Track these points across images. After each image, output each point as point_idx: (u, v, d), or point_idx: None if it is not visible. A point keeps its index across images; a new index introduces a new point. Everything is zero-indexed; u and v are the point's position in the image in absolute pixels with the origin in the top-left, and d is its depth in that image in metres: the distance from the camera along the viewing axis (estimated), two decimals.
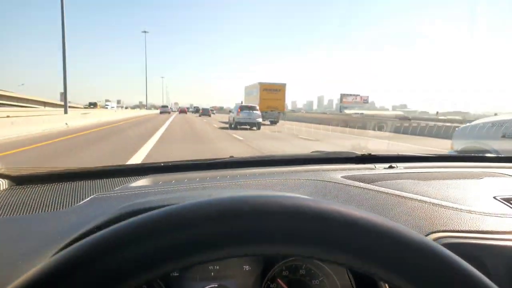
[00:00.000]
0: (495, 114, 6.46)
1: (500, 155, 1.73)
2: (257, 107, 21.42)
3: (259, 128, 19.32)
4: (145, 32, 63.67)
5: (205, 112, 46.52)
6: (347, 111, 60.57)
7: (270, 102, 28.39)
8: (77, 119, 18.17)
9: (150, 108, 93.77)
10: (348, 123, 23.95)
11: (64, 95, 19.08)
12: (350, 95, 71.32)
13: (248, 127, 19.33)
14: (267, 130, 19.53)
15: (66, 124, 16.22)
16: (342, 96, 70.54)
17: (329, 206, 0.37)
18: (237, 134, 14.85)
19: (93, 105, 66.88)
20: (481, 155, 1.69)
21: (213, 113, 58.75)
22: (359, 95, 71.55)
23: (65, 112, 18.90)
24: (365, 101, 72.45)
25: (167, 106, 67.49)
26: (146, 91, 66.43)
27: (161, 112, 56.34)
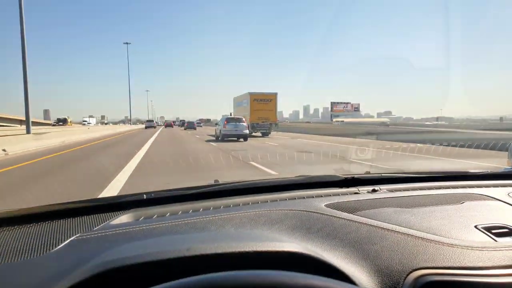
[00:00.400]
0: None
1: (481, 172, 1.66)
2: (244, 119, 21.29)
3: (246, 140, 19.38)
4: (127, 43, 59.85)
5: (190, 125, 46.33)
6: (337, 119, 59.36)
7: (261, 113, 26.38)
8: (28, 142, 13.96)
9: (135, 123, 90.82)
10: (332, 131, 25.79)
11: (25, 111, 16.27)
12: (341, 103, 69.91)
13: (235, 139, 19.58)
14: (257, 142, 18.05)
15: (4, 150, 11.41)
16: (333, 104, 69.06)
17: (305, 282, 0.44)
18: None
19: (62, 121, 57.15)
20: (462, 171, 1.70)
21: (200, 126, 58.06)
22: (349, 103, 70.07)
23: (28, 131, 15.71)
24: (355, 108, 71.13)
25: (152, 121, 63.83)
26: (130, 105, 62.27)
27: (146, 127, 53.91)
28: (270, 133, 26.37)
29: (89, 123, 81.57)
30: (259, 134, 26.79)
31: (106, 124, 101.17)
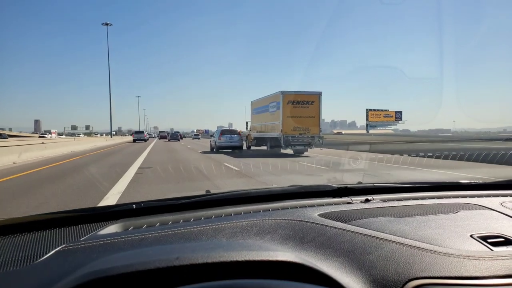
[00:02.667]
0: None
1: (473, 182, 1.66)
2: (238, 131, 21.73)
3: (240, 151, 20.18)
4: (106, 24, 45.47)
5: (174, 137, 48.54)
6: (373, 131, 50.89)
7: (299, 121, 18.32)
8: None
9: (124, 134, 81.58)
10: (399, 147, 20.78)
11: None
12: (379, 110, 58.67)
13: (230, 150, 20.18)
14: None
15: None
16: (369, 112, 58.20)
17: None
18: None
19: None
20: (455, 181, 1.69)
21: (198, 138, 55.77)
22: (387, 110, 59.00)
23: None
24: (398, 118, 59.21)
25: (142, 132, 47.90)
26: (110, 113, 48.38)
27: (135, 140, 42.19)
28: (306, 150, 18.79)
29: (44, 135, 70.74)
30: (289, 151, 18.68)
31: (75, 136, 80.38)
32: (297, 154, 18.44)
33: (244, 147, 24.90)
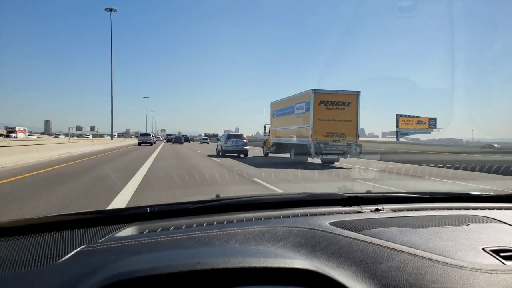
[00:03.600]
0: None
1: (484, 194, 1.66)
2: (244, 136, 21.83)
3: (246, 156, 20.17)
4: (110, 10, 41.14)
5: (178, 140, 51.25)
6: (403, 139, 47.35)
7: (332, 125, 15.35)
8: None
9: (130, 137, 79.02)
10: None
11: None
12: (411, 116, 53.38)
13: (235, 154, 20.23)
14: None
15: None
16: (399, 118, 53.30)
17: None
18: None
19: None
20: (465, 193, 1.66)
21: (206, 142, 55.29)
22: (419, 116, 53.69)
23: None
24: (432, 125, 54.04)
25: (148, 135, 43.79)
26: (112, 111, 42.44)
27: (140, 143, 38.55)
28: (337, 160, 15.95)
29: (13, 135, 53.56)
30: (316, 160, 15.78)
31: (64, 137, 60.16)
32: (327, 164, 15.46)
33: (260, 154, 22.26)
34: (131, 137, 76.65)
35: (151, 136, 43.37)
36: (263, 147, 22.54)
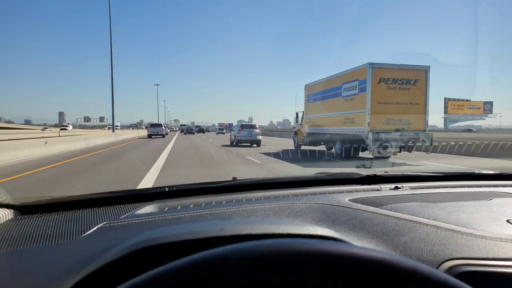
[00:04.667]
0: None
1: (505, 173, 1.64)
2: (256, 126, 21.31)
3: (258, 145, 19.80)
4: None
5: (189, 131, 52.69)
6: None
7: (394, 109, 11.93)
8: None
9: (141, 128, 76.00)
10: None
11: None
12: (461, 100, 45.94)
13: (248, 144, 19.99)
14: None
15: None
16: (448, 103, 46.29)
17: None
18: None
19: None
20: (485, 172, 1.66)
21: (222, 133, 53.05)
22: (469, 100, 46.03)
23: None
24: (487, 110, 47.05)
25: (160, 125, 36.51)
26: (112, 98, 34.00)
27: (150, 135, 33.32)
28: (394, 155, 12.51)
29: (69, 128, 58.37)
30: (366, 154, 12.85)
31: (70, 128, 67.29)
32: (382, 159, 12.07)
33: (287, 146, 19.02)
34: (141, 128, 70.93)
35: (163, 127, 36.23)
36: (293, 138, 19.17)
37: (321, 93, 15.75)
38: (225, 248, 0.45)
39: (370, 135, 11.70)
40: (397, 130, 11.91)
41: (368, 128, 11.79)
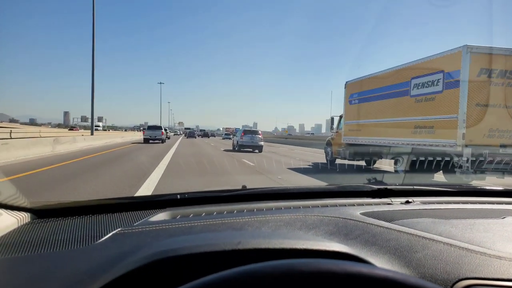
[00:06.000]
0: None
1: None
2: (259, 132, 21.59)
3: (260, 151, 19.99)
4: None
5: (191, 134, 55.62)
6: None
7: (501, 115, 8.08)
8: None
9: (139, 129, 71.84)
10: None
11: None
12: None
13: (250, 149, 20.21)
14: None
15: None
16: None
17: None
18: None
19: None
20: (496, 188, 1.64)
21: (229, 138, 50.20)
22: None
23: None
24: None
25: (159, 128, 29.93)
26: (93, 90, 25.47)
27: (147, 139, 27.56)
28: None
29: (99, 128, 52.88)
30: (439, 175, 9.33)
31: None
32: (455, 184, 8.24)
33: (310, 158, 15.28)
34: (139, 131, 61.20)
35: (163, 130, 29.18)
36: (325, 149, 15.34)
37: (373, 91, 11.91)
38: (267, 264, 0.48)
39: (466, 151, 7.90)
40: (503, 146, 8.10)
41: (462, 141, 7.99)
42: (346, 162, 13.32)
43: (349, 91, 13.61)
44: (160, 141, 28.15)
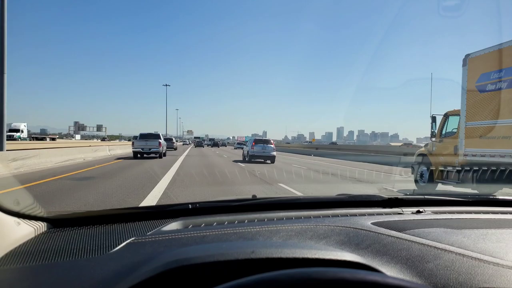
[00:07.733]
0: None
1: None
2: (271, 141, 20.09)
3: (273, 162, 18.82)
4: None
5: (199, 144, 57.49)
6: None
7: None
8: None
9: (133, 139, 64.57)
10: None
11: None
12: None
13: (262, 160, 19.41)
14: None
15: None
16: None
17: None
18: None
19: None
20: (508, 198, 1.58)
21: (241, 148, 45.21)
22: None
23: None
24: None
25: (156, 136, 20.83)
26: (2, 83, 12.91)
27: (137, 153, 20.18)
28: None
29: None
30: None
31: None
32: None
33: (408, 184, 9.55)
34: (129, 140, 46.35)
35: (160, 140, 20.75)
36: (417, 168, 9.61)
37: None
38: (283, 273, 0.50)
39: None
40: None
41: None
42: (451, 188, 7.92)
43: (476, 70, 7.84)
44: (157, 156, 20.74)
